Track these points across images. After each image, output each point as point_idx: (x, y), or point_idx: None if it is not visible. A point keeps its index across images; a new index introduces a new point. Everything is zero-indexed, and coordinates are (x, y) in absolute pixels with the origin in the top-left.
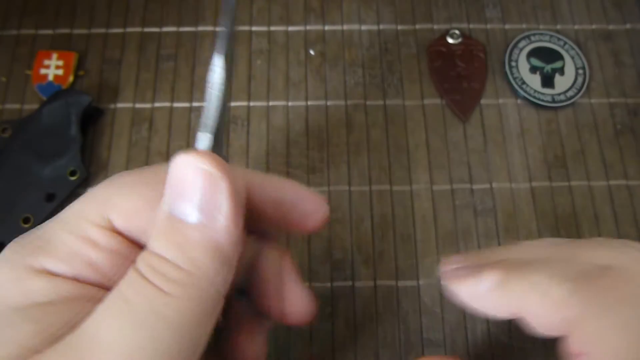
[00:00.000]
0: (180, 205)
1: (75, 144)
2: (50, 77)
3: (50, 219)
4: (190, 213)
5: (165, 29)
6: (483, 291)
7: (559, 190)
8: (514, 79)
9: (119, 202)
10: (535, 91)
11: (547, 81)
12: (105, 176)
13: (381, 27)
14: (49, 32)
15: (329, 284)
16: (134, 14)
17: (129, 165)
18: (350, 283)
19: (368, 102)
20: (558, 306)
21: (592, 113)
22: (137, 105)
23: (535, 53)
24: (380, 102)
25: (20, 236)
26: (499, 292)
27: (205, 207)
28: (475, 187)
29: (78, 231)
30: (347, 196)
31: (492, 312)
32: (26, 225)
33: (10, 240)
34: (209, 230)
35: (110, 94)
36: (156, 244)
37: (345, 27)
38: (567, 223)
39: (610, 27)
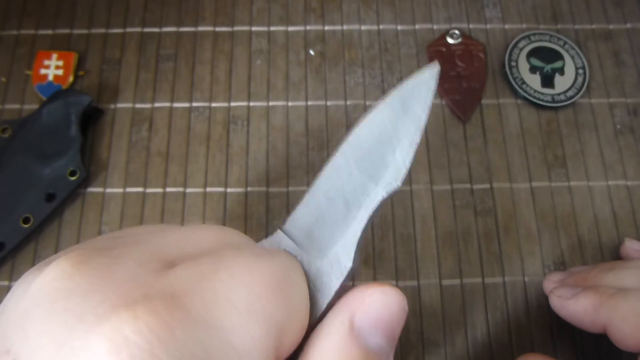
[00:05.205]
0: (379, 340)
1: (75, 144)
2: (50, 77)
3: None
4: (384, 345)
5: (165, 29)
6: (578, 311)
7: (558, 190)
8: (514, 79)
9: (287, 341)
10: (535, 91)
11: (547, 81)
12: (105, 176)
13: (381, 27)
14: (49, 32)
15: None
16: (134, 14)
17: (128, 165)
18: (350, 283)
19: (368, 102)
20: (635, 333)
21: (592, 113)
22: (137, 105)
23: (535, 53)
24: None
25: None
26: (591, 316)
27: (393, 340)
28: (475, 187)
29: None
30: None
31: (583, 327)
32: (26, 225)
33: (10, 240)
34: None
35: (110, 94)
36: None
37: (345, 27)
38: (566, 223)
39: (611, 26)
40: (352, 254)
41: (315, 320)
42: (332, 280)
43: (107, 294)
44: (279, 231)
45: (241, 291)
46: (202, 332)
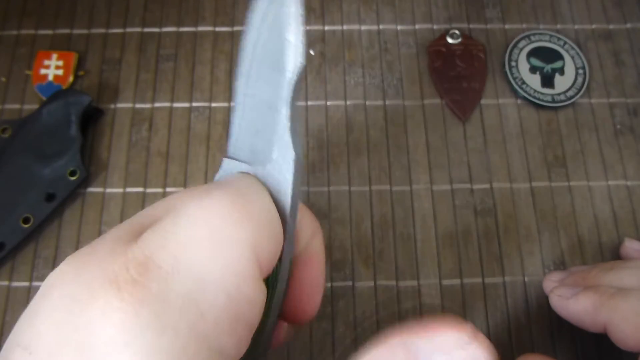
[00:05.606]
0: None
1: (75, 144)
2: (50, 77)
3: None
4: None
5: (165, 29)
6: (579, 311)
7: (558, 190)
8: (514, 79)
9: (265, 251)
10: (535, 91)
11: (547, 81)
12: (105, 176)
13: (381, 27)
14: (49, 32)
15: (328, 284)
16: (134, 14)
17: (128, 165)
18: (350, 283)
19: (368, 102)
20: (635, 333)
21: (592, 113)
22: (137, 105)
23: (535, 53)
24: (380, 102)
25: None
26: (592, 315)
27: None
28: (475, 187)
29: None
30: (347, 196)
31: (583, 327)
32: (26, 225)
33: (10, 240)
34: None
35: (110, 94)
36: None
37: (345, 27)
38: (566, 223)
39: (611, 26)
40: (290, 143)
41: (291, 213)
42: (285, 174)
43: (94, 273)
44: (225, 159)
45: (201, 230)
46: (176, 280)
